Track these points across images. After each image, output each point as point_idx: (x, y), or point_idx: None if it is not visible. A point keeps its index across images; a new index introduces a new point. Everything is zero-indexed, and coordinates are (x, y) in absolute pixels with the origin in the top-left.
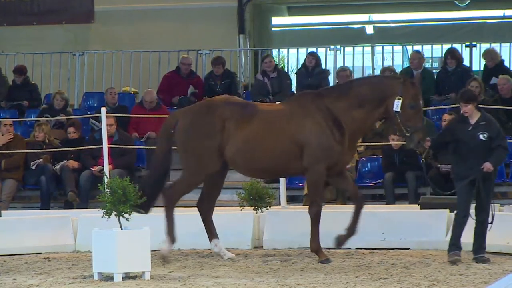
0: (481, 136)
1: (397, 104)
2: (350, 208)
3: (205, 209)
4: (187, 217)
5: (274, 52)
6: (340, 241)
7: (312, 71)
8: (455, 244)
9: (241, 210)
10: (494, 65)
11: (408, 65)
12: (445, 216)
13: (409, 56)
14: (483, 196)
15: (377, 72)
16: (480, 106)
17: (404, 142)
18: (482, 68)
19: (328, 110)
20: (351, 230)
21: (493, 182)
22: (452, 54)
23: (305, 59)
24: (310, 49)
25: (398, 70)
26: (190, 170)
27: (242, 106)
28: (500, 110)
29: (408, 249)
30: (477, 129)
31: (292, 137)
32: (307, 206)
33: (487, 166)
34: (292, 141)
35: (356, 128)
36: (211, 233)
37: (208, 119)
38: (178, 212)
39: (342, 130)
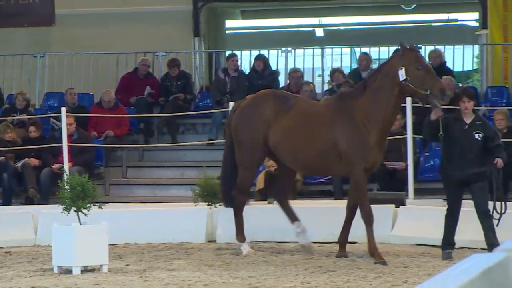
0: (476, 136)
1: (401, 74)
2: (297, 204)
3: (280, 196)
4: (142, 213)
5: (228, 54)
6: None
7: (262, 73)
8: (450, 244)
9: (195, 205)
10: (438, 65)
11: (356, 66)
12: (391, 211)
13: (357, 57)
14: (480, 194)
15: (327, 73)
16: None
17: None
18: None
19: (360, 111)
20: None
21: (485, 181)
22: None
23: (253, 63)
24: (262, 52)
25: (347, 71)
26: (243, 163)
27: (285, 100)
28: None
29: (355, 242)
30: (473, 128)
31: (327, 138)
32: (259, 202)
33: (500, 161)
34: (328, 143)
35: (384, 124)
36: (291, 217)
37: (253, 111)
38: (134, 208)
39: (373, 130)
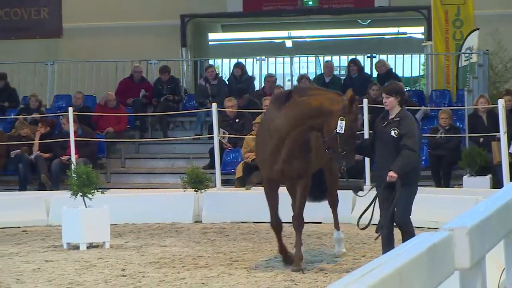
0: (392, 133)
1: (341, 126)
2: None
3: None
4: (139, 198)
5: (211, 62)
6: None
7: (240, 78)
8: None
9: (184, 191)
10: (384, 73)
11: (320, 72)
12: (350, 196)
13: (322, 65)
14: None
15: (295, 78)
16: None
17: None
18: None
19: (268, 117)
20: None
21: (411, 186)
22: (354, 62)
23: (232, 70)
24: (239, 60)
25: (312, 77)
26: None
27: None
28: None
29: (320, 223)
30: (390, 125)
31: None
32: (238, 188)
33: (390, 174)
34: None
35: (293, 136)
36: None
37: None
38: (132, 193)
39: (277, 139)
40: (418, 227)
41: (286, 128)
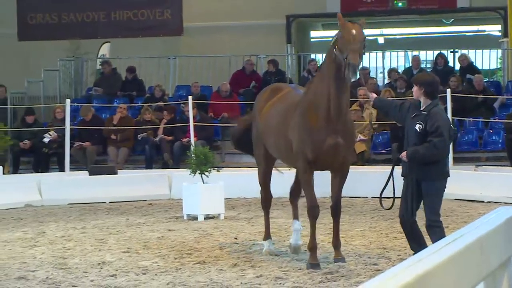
0: (416, 126)
1: (334, 45)
2: (365, 169)
3: (294, 194)
4: (250, 175)
5: (312, 56)
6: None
7: None
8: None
9: (289, 169)
10: (466, 66)
11: (409, 66)
12: None
13: (410, 59)
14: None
15: (386, 70)
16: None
17: None
18: (458, 68)
19: (308, 98)
20: (335, 243)
21: (436, 183)
22: (441, 56)
23: None
24: None
25: (401, 69)
26: (256, 160)
27: (277, 91)
28: (473, 98)
29: None
30: (417, 117)
31: (284, 131)
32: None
33: (402, 154)
34: (285, 136)
35: (329, 109)
36: (295, 213)
37: (254, 106)
38: (244, 171)
39: (317, 118)
40: (495, 202)
41: (325, 99)
